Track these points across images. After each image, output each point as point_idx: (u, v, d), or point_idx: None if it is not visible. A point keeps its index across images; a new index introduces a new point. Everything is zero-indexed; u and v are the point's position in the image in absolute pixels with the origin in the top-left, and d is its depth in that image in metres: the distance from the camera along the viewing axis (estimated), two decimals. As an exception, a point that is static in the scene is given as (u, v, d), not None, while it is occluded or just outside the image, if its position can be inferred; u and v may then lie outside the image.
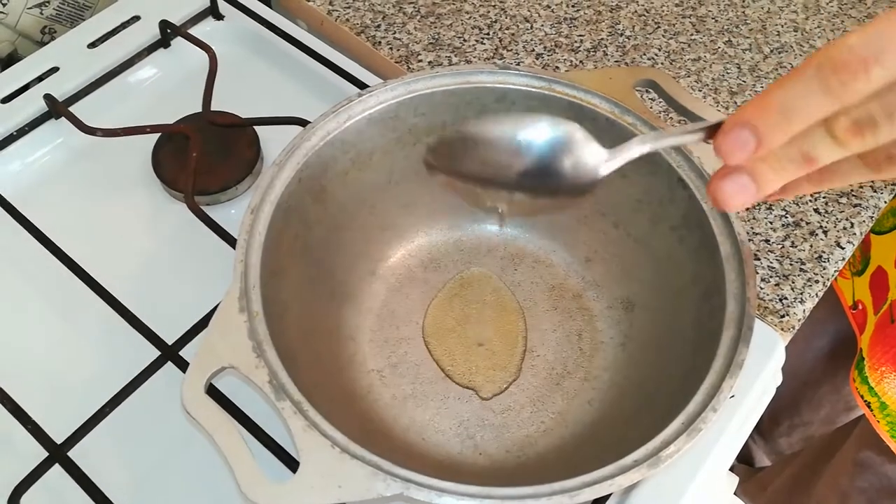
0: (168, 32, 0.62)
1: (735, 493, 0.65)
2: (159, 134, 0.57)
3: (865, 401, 0.68)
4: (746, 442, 1.05)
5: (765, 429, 1.02)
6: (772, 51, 0.67)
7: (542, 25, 0.67)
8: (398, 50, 0.64)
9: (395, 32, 0.66)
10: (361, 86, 0.59)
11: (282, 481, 0.33)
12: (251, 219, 0.41)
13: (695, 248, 0.43)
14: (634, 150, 0.32)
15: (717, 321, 0.39)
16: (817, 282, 0.54)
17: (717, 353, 0.37)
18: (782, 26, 0.69)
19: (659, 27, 0.68)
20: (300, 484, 0.33)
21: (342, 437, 0.35)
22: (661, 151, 0.44)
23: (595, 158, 0.33)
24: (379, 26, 0.66)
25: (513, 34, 0.66)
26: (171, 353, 0.46)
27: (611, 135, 0.45)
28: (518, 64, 0.64)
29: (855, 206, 0.58)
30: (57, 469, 0.42)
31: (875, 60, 0.25)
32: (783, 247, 0.55)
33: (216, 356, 0.37)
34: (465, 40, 0.65)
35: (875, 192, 0.59)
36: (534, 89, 0.47)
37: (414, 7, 0.68)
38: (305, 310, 0.44)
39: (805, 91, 0.26)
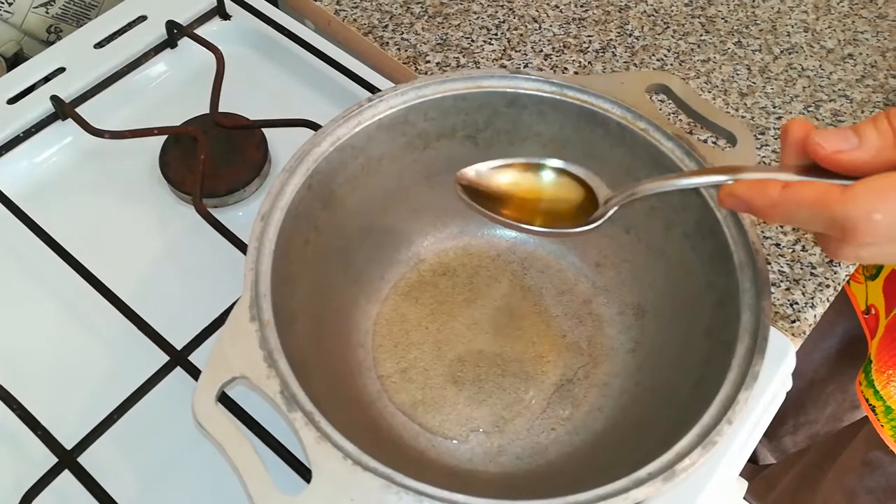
0: (175, 32, 0.62)
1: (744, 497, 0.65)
2: (167, 135, 0.56)
3: (870, 405, 0.67)
4: (752, 441, 1.05)
5: (770, 427, 1.02)
6: (782, 51, 0.66)
7: (551, 26, 0.67)
8: (406, 50, 0.64)
9: (402, 33, 0.65)
10: (369, 87, 0.59)
11: (293, 494, 0.33)
12: (261, 226, 0.41)
13: (708, 255, 0.43)
14: (639, 190, 0.37)
15: (731, 331, 0.39)
16: (828, 286, 0.53)
17: (732, 364, 0.37)
18: (792, 27, 0.68)
19: (668, 27, 0.67)
20: (312, 496, 0.33)
21: (354, 449, 0.34)
22: (674, 159, 0.44)
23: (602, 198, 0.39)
24: (386, 26, 0.66)
25: (521, 34, 0.66)
26: (180, 358, 0.46)
27: (623, 141, 0.45)
28: (526, 65, 0.64)
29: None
30: (67, 475, 0.42)
31: None
32: (794, 251, 0.55)
33: (228, 366, 0.36)
34: (472, 41, 0.65)
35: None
36: (545, 94, 0.46)
37: (422, 7, 0.67)
38: (315, 316, 0.44)
39: None
